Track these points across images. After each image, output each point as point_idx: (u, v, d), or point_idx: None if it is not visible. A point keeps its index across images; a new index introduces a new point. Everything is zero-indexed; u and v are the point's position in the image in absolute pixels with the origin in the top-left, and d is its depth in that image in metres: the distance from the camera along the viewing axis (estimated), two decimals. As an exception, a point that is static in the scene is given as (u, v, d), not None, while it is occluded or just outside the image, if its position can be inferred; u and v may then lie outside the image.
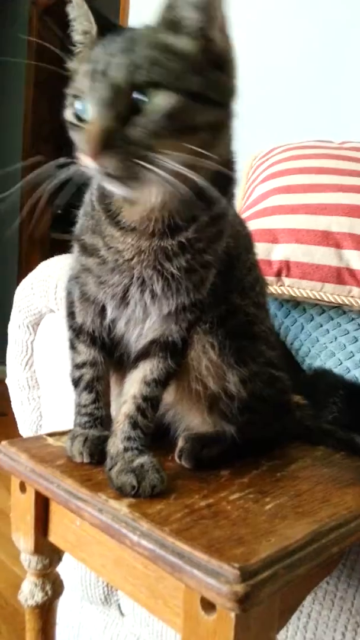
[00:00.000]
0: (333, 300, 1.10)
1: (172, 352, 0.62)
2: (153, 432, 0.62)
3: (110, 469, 0.57)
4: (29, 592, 0.70)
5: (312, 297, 1.12)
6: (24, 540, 0.68)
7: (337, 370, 1.11)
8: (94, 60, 0.49)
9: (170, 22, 0.49)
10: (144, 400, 0.60)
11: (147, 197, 0.55)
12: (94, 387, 0.66)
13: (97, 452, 0.63)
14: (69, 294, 0.69)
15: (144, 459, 0.57)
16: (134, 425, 0.59)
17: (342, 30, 1.76)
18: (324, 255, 1.10)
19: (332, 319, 1.17)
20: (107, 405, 0.67)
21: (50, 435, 0.73)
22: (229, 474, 0.63)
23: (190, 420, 0.67)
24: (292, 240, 1.13)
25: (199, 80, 0.49)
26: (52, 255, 4.04)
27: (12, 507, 0.70)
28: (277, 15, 1.97)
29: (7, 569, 1.61)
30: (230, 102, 0.53)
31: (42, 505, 0.67)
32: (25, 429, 1.23)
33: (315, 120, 1.78)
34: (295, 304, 1.21)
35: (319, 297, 1.12)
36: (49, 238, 3.85)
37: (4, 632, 1.32)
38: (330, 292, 1.10)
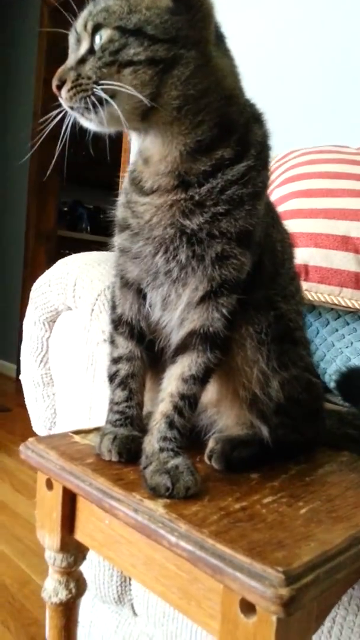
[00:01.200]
0: (351, 305, 1.10)
1: (212, 344, 0.61)
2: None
3: (144, 468, 0.58)
4: (53, 590, 0.70)
5: (330, 301, 1.12)
6: (49, 537, 0.68)
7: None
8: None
9: None
10: (181, 399, 0.60)
11: (154, 150, 0.60)
12: (128, 384, 0.66)
13: (126, 451, 0.63)
14: (112, 288, 0.70)
15: (178, 461, 0.57)
16: (171, 425, 0.59)
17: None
18: (342, 260, 1.11)
19: (348, 323, 1.18)
20: (140, 404, 0.67)
21: (76, 432, 0.73)
22: (259, 477, 0.63)
23: (226, 421, 0.68)
24: (310, 244, 1.13)
25: (137, 18, 0.55)
26: (58, 252, 4.05)
27: (38, 504, 0.70)
28: (296, 19, 1.97)
29: (13, 565, 1.61)
30: (187, 39, 0.56)
31: (69, 503, 0.66)
32: (39, 425, 1.23)
33: (331, 124, 1.78)
34: (310, 307, 1.21)
35: (336, 302, 1.12)
36: (55, 234, 3.85)
37: (12, 628, 1.32)
38: (348, 297, 1.10)
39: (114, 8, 0.56)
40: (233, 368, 0.64)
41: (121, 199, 0.66)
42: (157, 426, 0.60)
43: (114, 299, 0.69)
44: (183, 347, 0.62)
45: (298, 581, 0.43)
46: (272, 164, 1.46)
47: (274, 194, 1.28)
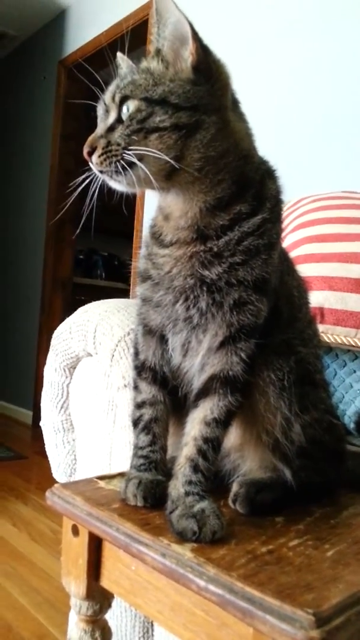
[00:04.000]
0: (368, 346, 1.11)
1: (233, 388, 0.63)
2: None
3: (170, 513, 0.58)
4: (78, 639, 0.69)
5: (347, 343, 1.13)
6: (75, 584, 0.68)
7: (373, 416, 1.11)
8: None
9: (156, 50, 0.64)
10: (204, 442, 0.61)
11: (174, 207, 0.64)
12: (152, 429, 0.68)
13: (151, 496, 0.64)
14: (135, 335, 0.72)
15: (204, 504, 0.58)
16: (195, 468, 0.60)
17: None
18: (358, 302, 1.12)
19: (366, 365, 1.18)
20: (164, 448, 0.68)
21: (101, 478, 0.74)
22: (284, 521, 0.64)
23: (249, 464, 0.68)
24: (325, 287, 1.15)
25: (162, 89, 0.60)
26: (74, 299, 4.09)
27: (64, 550, 0.70)
28: (307, 67, 2.05)
29: (31, 617, 1.58)
30: (207, 106, 0.61)
31: (95, 549, 0.67)
32: (60, 472, 1.24)
33: (340, 171, 1.83)
34: (327, 349, 1.22)
35: (353, 344, 1.13)
36: (71, 282, 3.92)
37: None
38: (364, 339, 1.12)
39: (140, 81, 0.62)
40: (255, 414, 0.66)
41: (142, 251, 0.70)
42: (182, 470, 0.61)
43: (136, 346, 0.71)
44: (205, 391, 0.64)
45: (329, 623, 0.43)
46: (284, 211, 1.50)
47: (287, 239, 1.31)
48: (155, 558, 0.55)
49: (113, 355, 1.08)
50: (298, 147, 2.02)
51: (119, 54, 0.71)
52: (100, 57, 3.46)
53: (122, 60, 0.70)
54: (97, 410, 1.13)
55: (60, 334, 1.24)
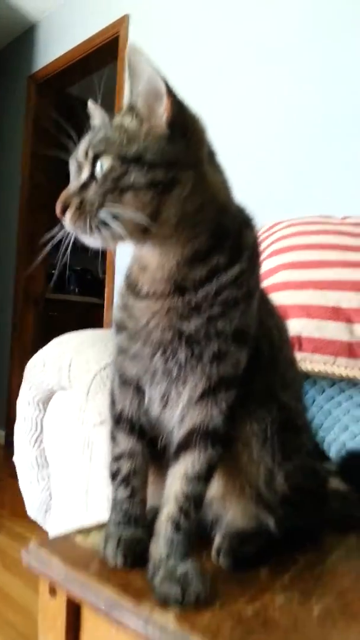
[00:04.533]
0: (345, 375, 1.11)
1: (214, 440, 0.61)
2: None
3: (152, 576, 0.56)
4: None
5: (325, 371, 1.12)
6: (53, 646, 0.65)
7: (353, 443, 1.11)
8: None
9: (129, 106, 0.61)
10: (186, 500, 0.59)
11: (151, 260, 0.62)
12: (130, 482, 0.65)
13: (131, 554, 0.61)
14: (111, 383, 0.70)
15: (187, 566, 0.55)
16: (177, 528, 0.58)
17: (344, 104, 1.85)
18: (335, 330, 1.12)
19: (344, 391, 1.18)
20: (143, 502, 0.66)
21: (78, 532, 0.71)
22: (268, 573, 0.62)
23: (232, 514, 0.67)
24: (303, 315, 1.15)
25: (136, 147, 0.58)
26: (47, 314, 4.01)
27: (40, 611, 0.67)
28: (281, 90, 2.06)
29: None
30: (183, 162, 0.59)
31: (74, 611, 0.64)
32: (34, 509, 1.20)
33: (313, 194, 1.84)
34: (305, 375, 1.21)
35: (330, 372, 1.13)
36: (44, 297, 3.87)
37: None
38: (344, 366, 1.11)
39: (114, 138, 0.59)
40: (238, 465, 0.64)
41: (118, 301, 0.68)
42: (163, 530, 0.59)
43: (113, 396, 0.69)
44: (185, 445, 0.62)
45: None
46: (259, 235, 1.50)
47: (263, 266, 1.31)
48: (137, 627, 0.52)
49: (89, 391, 1.06)
50: (274, 170, 2.03)
51: (90, 104, 0.69)
52: (70, 73, 3.44)
53: (94, 109, 0.68)
54: (73, 446, 1.10)
55: (34, 367, 1.20)
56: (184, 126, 0.60)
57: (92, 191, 0.59)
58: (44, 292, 3.90)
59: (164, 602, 0.54)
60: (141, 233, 0.59)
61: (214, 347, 0.60)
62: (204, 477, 0.60)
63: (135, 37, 2.82)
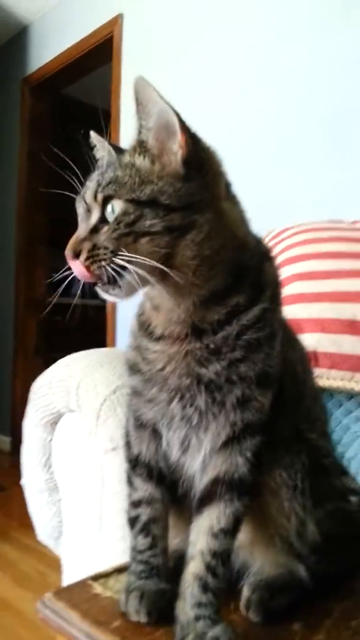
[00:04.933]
0: (365, 390, 1.07)
1: (240, 491, 0.57)
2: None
3: (181, 640, 0.52)
4: None
5: (343, 387, 1.09)
6: None
7: (373, 463, 1.07)
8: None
9: (139, 143, 0.57)
10: (213, 557, 0.55)
11: (165, 300, 0.57)
12: (151, 531, 0.61)
13: (155, 610, 0.58)
14: (126, 423, 0.66)
15: (218, 631, 0.52)
16: (205, 587, 0.54)
17: (350, 108, 1.80)
18: (352, 344, 1.08)
19: (362, 405, 1.14)
20: (165, 550, 0.62)
21: (95, 579, 0.67)
22: (302, 628, 0.58)
23: (259, 564, 0.63)
24: (317, 329, 1.11)
25: (150, 189, 0.54)
26: (49, 318, 3.94)
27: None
28: (288, 95, 2.02)
29: None
30: (200, 203, 0.55)
31: (95, 667, 0.60)
32: (46, 535, 1.16)
33: (323, 197, 1.80)
34: (322, 388, 1.18)
35: (349, 387, 1.09)
36: (45, 302, 3.83)
37: None
38: (361, 382, 1.07)
39: (125, 179, 0.55)
40: (267, 515, 0.60)
41: (130, 341, 0.64)
42: (190, 590, 0.55)
43: (128, 437, 0.65)
44: (209, 497, 0.58)
45: None
46: (266, 241, 1.45)
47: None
48: None
49: (99, 415, 1.02)
50: (280, 173, 1.99)
51: (93, 135, 0.64)
52: (64, 74, 3.38)
53: (99, 142, 0.63)
54: (84, 472, 1.06)
55: (40, 388, 1.16)
56: (200, 162, 0.56)
57: (105, 236, 0.55)
58: (45, 296, 3.86)
59: (193, 670, 0.50)
60: (157, 278, 0.55)
61: (236, 392, 0.56)
62: (231, 532, 0.57)
63: (129, 37, 2.77)
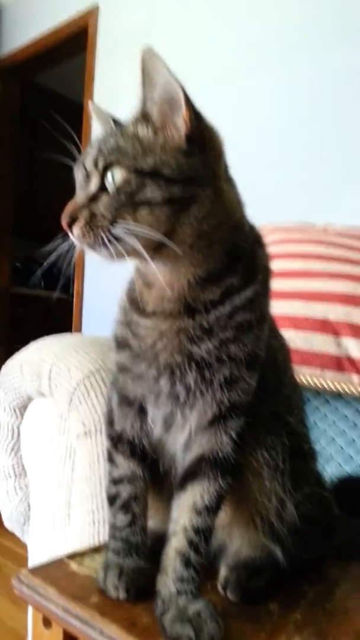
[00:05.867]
0: (334, 388, 1.10)
1: (224, 470, 0.58)
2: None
3: (162, 615, 0.53)
4: None
5: (313, 384, 1.11)
6: None
7: (340, 457, 1.10)
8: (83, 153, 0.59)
9: (143, 114, 0.57)
10: (196, 533, 0.56)
11: (158, 277, 0.57)
12: (130, 508, 0.62)
13: (133, 587, 0.58)
14: (109, 401, 0.66)
15: (199, 606, 0.52)
16: (187, 563, 0.55)
17: (322, 111, 1.84)
18: (322, 343, 1.11)
19: (329, 402, 1.17)
20: (144, 529, 0.62)
21: (71, 557, 0.67)
22: (279, 608, 0.59)
23: (237, 544, 0.64)
24: (290, 326, 1.13)
25: (152, 160, 0.54)
26: (13, 309, 3.87)
27: (33, 641, 0.63)
28: (264, 97, 2.04)
29: None
30: (201, 178, 0.55)
31: (69, 642, 0.60)
32: (12, 521, 1.14)
33: (293, 198, 1.83)
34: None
35: (319, 384, 1.11)
36: (9, 292, 3.75)
37: None
38: (330, 379, 1.10)
39: (127, 149, 0.55)
40: (248, 495, 0.61)
41: (120, 317, 0.63)
42: (172, 565, 0.55)
43: (111, 414, 0.65)
44: (193, 474, 0.59)
45: None
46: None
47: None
48: (148, 671, 0.49)
49: (71, 400, 1.01)
50: (254, 172, 2.01)
51: (91, 104, 0.63)
52: (37, 61, 3.33)
53: (97, 112, 0.62)
54: (53, 456, 1.05)
55: (9, 371, 1.14)
56: (203, 139, 0.56)
57: (104, 205, 0.54)
58: (8, 287, 3.78)
59: (174, 643, 0.51)
60: (153, 250, 0.55)
61: (225, 372, 0.57)
62: (214, 509, 0.58)
63: (105, 30, 2.75)
